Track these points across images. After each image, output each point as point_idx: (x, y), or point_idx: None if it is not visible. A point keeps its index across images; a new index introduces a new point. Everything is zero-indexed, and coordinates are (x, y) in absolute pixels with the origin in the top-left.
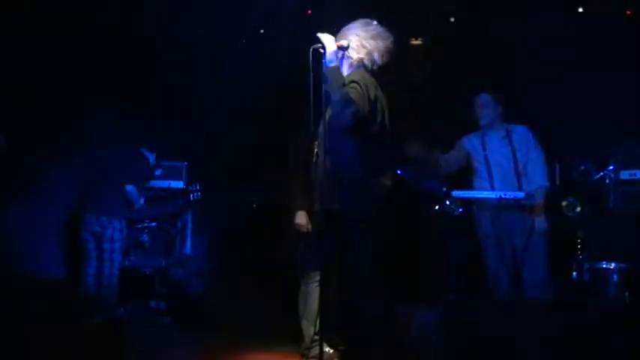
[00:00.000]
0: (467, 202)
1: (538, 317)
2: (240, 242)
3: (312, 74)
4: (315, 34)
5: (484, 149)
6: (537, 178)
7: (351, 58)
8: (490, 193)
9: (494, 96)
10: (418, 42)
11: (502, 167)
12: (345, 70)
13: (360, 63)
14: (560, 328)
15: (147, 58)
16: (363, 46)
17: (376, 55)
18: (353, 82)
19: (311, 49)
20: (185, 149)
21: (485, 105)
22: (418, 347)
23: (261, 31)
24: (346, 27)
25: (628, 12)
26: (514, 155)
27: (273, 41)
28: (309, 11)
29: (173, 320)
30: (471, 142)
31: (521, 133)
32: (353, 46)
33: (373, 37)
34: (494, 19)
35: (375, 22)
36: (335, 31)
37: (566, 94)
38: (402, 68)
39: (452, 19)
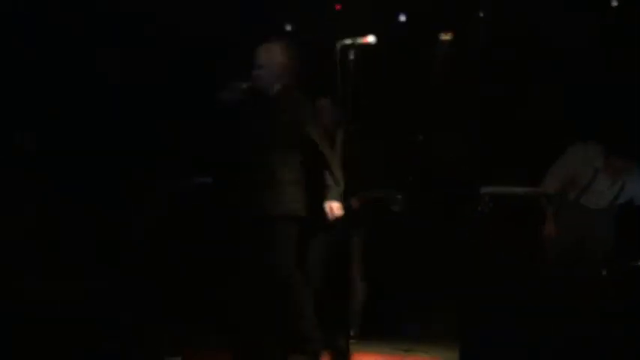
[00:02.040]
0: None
1: None
2: None
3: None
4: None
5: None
6: None
7: (277, 76)
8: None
9: None
10: (448, 37)
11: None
12: (273, 87)
13: (286, 80)
14: None
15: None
16: (288, 65)
17: (295, 71)
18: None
19: (339, 46)
20: None
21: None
22: None
23: (288, 27)
24: (265, 48)
25: None
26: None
27: (299, 37)
28: (338, 6)
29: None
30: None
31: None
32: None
33: (292, 56)
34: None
35: (288, 41)
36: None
37: None
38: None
39: (481, 14)
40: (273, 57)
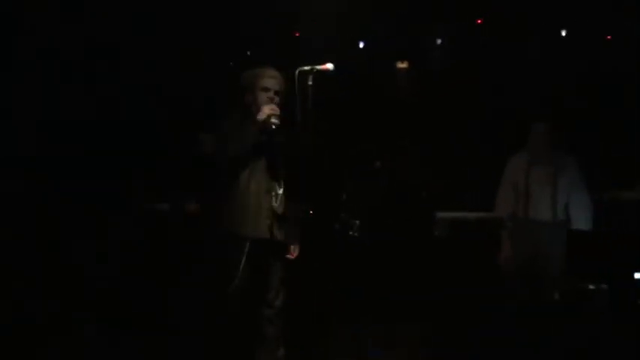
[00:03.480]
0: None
1: None
2: None
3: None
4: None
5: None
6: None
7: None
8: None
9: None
10: (404, 65)
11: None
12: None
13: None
14: None
15: None
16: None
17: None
18: None
19: (297, 72)
20: None
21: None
22: None
23: (248, 53)
24: (278, 75)
25: None
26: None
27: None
28: (297, 33)
29: None
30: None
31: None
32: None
33: None
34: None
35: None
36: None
37: None
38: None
39: (439, 41)
40: (283, 84)
